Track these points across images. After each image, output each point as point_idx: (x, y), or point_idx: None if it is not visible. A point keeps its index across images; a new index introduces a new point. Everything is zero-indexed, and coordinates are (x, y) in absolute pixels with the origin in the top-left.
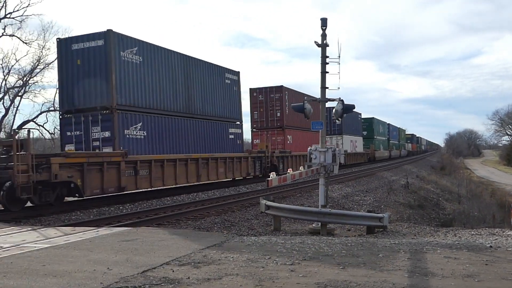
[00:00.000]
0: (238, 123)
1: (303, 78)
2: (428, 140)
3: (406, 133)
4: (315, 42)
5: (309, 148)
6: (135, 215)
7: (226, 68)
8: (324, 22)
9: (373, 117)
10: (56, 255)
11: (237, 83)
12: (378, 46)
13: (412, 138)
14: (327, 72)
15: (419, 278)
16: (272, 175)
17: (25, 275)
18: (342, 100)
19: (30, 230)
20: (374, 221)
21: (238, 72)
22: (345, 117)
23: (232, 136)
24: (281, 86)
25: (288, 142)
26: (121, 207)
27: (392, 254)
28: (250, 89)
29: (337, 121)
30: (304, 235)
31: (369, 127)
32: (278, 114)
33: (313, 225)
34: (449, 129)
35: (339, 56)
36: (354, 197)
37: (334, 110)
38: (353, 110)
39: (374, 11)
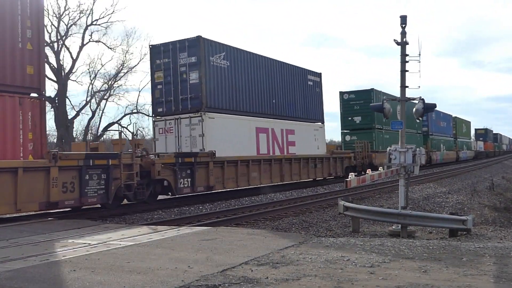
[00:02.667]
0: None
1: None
2: None
3: (477, 127)
4: (394, 40)
5: (388, 148)
6: (214, 215)
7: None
8: (403, 19)
9: (372, 89)
10: (140, 252)
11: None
12: (460, 42)
13: (486, 135)
14: (407, 71)
15: (506, 283)
16: (351, 175)
17: (111, 271)
18: (423, 99)
19: (115, 228)
20: (457, 223)
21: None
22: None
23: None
24: None
25: None
26: (200, 207)
27: (476, 258)
28: None
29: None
30: (384, 237)
31: (367, 110)
32: None
33: (393, 227)
34: None
35: (419, 54)
36: (436, 198)
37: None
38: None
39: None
